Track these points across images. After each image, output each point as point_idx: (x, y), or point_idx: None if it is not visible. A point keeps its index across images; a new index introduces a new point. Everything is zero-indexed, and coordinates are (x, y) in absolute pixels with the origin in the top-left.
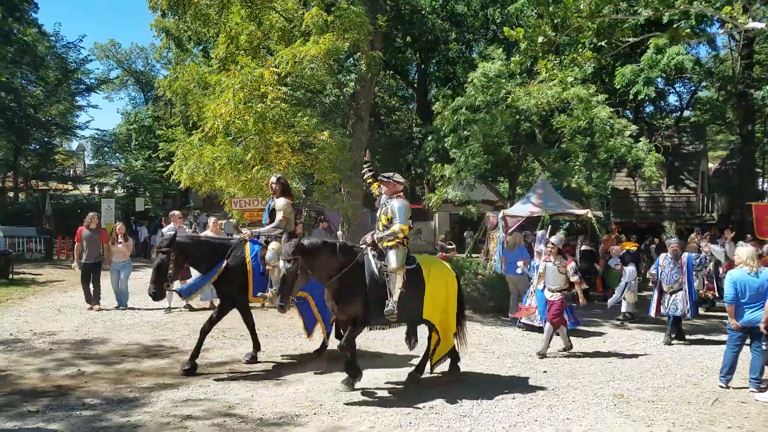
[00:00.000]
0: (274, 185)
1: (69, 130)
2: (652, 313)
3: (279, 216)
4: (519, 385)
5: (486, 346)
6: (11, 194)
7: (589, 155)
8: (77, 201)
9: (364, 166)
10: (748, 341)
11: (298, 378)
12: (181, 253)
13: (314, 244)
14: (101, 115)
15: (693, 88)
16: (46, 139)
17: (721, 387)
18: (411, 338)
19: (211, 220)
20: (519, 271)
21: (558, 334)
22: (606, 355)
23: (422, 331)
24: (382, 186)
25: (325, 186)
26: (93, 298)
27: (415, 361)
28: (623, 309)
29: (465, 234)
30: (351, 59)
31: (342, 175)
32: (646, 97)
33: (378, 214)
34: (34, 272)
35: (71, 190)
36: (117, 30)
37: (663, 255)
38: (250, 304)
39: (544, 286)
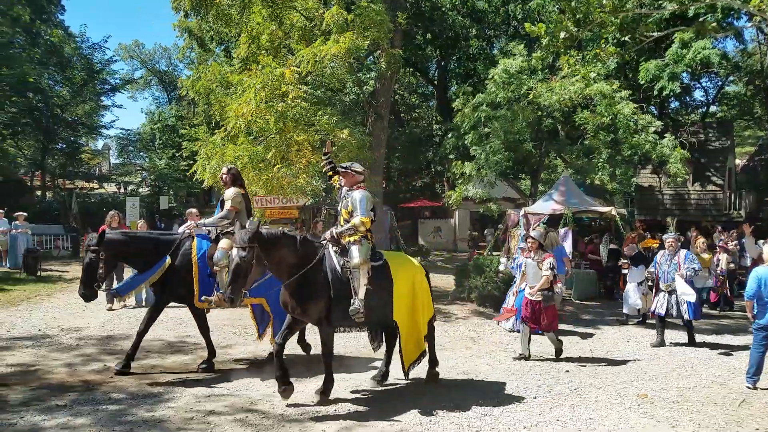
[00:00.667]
0: (224, 176)
1: (95, 129)
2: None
3: (227, 205)
4: (540, 384)
5: (507, 345)
6: (39, 193)
7: (613, 152)
8: (103, 199)
9: (324, 157)
10: None
11: (318, 375)
12: (112, 252)
13: (273, 233)
14: (126, 115)
15: (720, 82)
16: (72, 138)
17: (749, 388)
18: (375, 340)
19: None
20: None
21: (528, 338)
22: (629, 354)
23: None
24: (341, 178)
25: None
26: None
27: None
28: (627, 312)
29: (486, 232)
30: (371, 57)
31: None
32: (671, 93)
33: (339, 207)
34: (61, 269)
35: (97, 189)
36: (141, 30)
37: (660, 252)
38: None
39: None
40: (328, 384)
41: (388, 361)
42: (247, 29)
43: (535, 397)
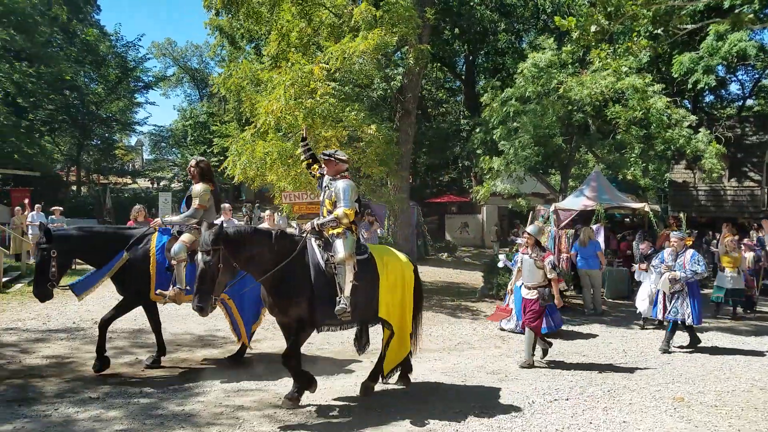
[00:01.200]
0: (192, 169)
1: (128, 126)
2: (659, 315)
3: (195, 203)
4: (573, 385)
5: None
6: (74, 188)
7: (646, 147)
8: (135, 194)
9: (301, 144)
10: None
11: (347, 371)
12: (64, 249)
13: (241, 231)
14: (158, 112)
15: (756, 75)
16: (106, 134)
17: None
18: (361, 340)
19: (266, 213)
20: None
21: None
22: (664, 355)
23: (375, 331)
24: (323, 166)
25: (372, 180)
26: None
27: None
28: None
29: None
30: (399, 53)
31: (388, 169)
32: (706, 86)
33: (322, 197)
34: None
35: (130, 184)
36: (173, 29)
37: (668, 250)
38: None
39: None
40: (300, 387)
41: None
42: (277, 27)
43: (567, 399)
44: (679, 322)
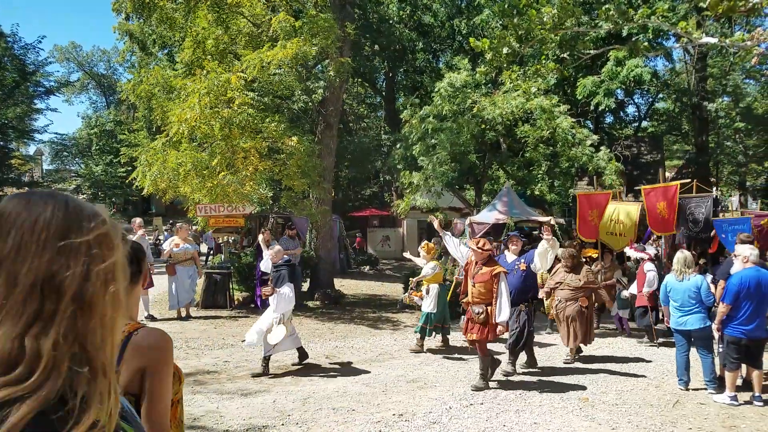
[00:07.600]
0: None
1: (26, 133)
2: None
3: None
4: (487, 390)
5: (453, 353)
6: None
7: (552, 164)
8: None
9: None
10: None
11: (265, 388)
12: None
13: None
14: (61, 119)
15: (651, 99)
16: (1, 143)
17: (681, 389)
18: None
19: (178, 225)
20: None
21: None
22: (569, 359)
23: None
24: None
25: (294, 192)
26: None
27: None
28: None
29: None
30: (319, 66)
31: (310, 181)
32: (607, 108)
33: None
34: None
35: None
36: (78, 32)
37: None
38: None
39: None
40: None
41: None
42: (192, 33)
43: (482, 403)
44: None
